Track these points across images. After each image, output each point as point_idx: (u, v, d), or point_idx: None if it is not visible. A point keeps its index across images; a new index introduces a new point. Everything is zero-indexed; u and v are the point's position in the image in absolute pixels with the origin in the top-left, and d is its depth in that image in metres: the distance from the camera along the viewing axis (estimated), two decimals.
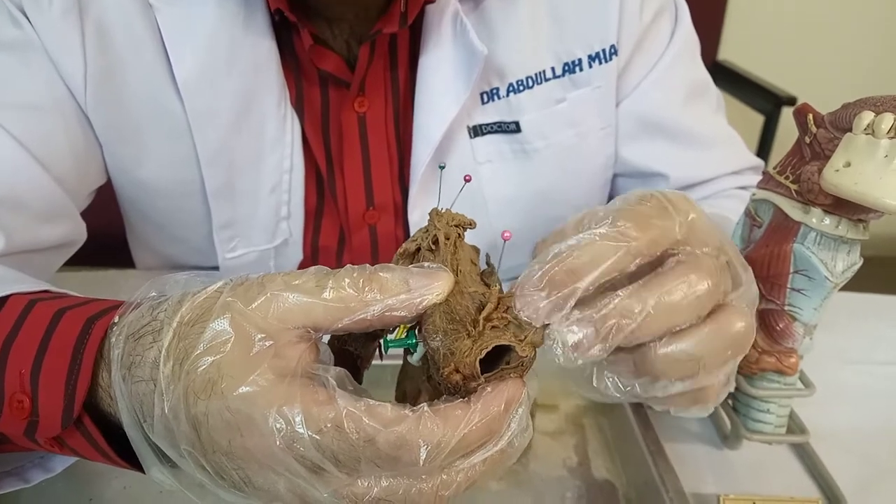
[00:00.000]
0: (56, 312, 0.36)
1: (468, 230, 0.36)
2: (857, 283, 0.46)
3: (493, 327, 0.31)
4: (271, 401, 0.28)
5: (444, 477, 0.30)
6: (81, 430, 0.34)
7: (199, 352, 0.29)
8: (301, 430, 0.28)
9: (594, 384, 0.39)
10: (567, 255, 0.32)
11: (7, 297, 0.38)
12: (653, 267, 0.35)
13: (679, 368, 0.35)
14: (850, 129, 0.40)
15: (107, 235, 0.78)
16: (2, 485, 0.41)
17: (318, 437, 0.28)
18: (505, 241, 0.34)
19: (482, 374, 0.30)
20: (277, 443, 0.28)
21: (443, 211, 0.36)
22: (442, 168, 0.38)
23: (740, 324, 0.35)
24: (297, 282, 0.31)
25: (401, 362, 0.40)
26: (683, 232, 0.35)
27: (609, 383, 0.38)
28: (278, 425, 0.28)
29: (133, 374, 0.31)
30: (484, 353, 0.30)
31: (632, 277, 0.34)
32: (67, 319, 0.36)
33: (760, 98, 1.85)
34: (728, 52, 2.11)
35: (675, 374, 0.35)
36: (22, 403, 0.34)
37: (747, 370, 0.49)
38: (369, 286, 0.30)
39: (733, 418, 0.52)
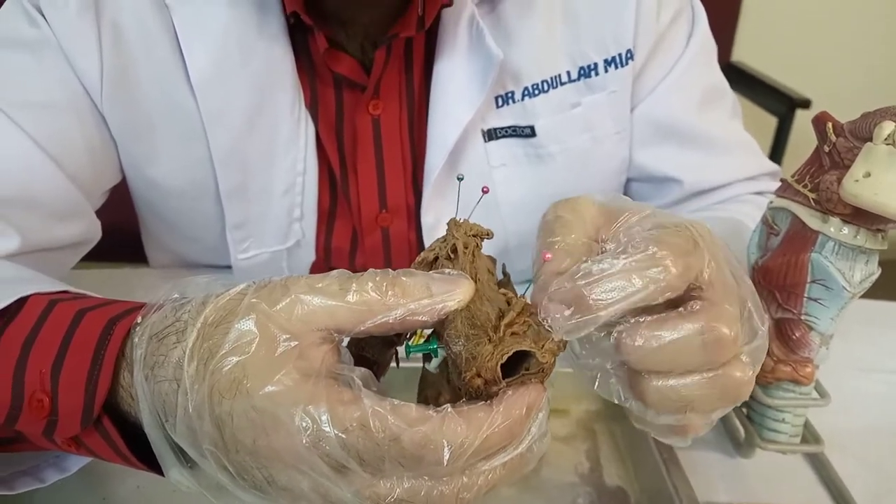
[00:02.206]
0: (77, 313, 0.36)
1: (485, 240, 0.37)
2: (871, 290, 0.46)
3: (513, 333, 0.32)
4: (297, 400, 0.28)
5: (465, 479, 0.30)
6: (100, 431, 0.35)
7: (224, 352, 0.29)
8: (327, 429, 0.28)
9: (595, 388, 0.39)
10: (598, 278, 0.32)
11: (27, 297, 0.38)
12: (674, 302, 0.35)
13: (667, 405, 0.35)
14: (870, 139, 0.40)
15: (121, 232, 0.78)
16: (17, 484, 0.42)
17: (343, 435, 0.28)
18: (546, 261, 0.35)
19: (503, 378, 0.30)
20: (304, 442, 0.28)
21: (461, 221, 0.37)
22: (461, 179, 0.38)
23: (738, 377, 0.35)
24: (320, 284, 0.31)
25: (416, 366, 0.40)
26: (709, 273, 0.34)
27: (612, 391, 0.38)
28: (304, 424, 0.28)
29: (156, 374, 0.31)
30: (505, 358, 0.30)
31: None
32: (89, 320, 0.36)
33: (774, 100, 1.84)
34: (742, 54, 2.10)
35: (662, 409, 0.35)
36: (42, 402, 0.34)
37: (762, 380, 0.49)
38: (392, 290, 0.31)
39: (747, 427, 0.52)
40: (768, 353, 0.48)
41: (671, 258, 0.32)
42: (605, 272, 0.32)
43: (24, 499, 0.48)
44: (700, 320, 0.33)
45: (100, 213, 0.67)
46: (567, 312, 0.31)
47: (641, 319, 0.33)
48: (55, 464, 0.43)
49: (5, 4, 0.61)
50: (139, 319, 0.34)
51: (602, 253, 0.36)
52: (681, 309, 0.34)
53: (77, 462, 0.43)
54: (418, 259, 0.37)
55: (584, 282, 0.31)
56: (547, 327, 0.32)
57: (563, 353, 0.33)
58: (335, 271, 0.32)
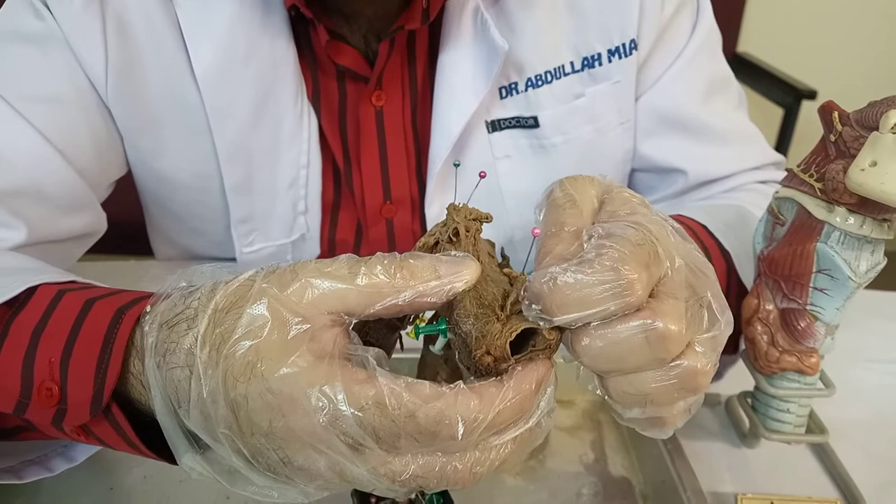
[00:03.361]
0: (86, 302, 0.37)
1: (485, 224, 0.37)
2: (877, 280, 0.46)
3: (519, 312, 0.32)
4: (313, 381, 0.29)
5: (478, 454, 0.31)
6: (109, 419, 0.35)
7: (237, 336, 0.30)
8: (343, 408, 0.29)
9: (576, 379, 0.39)
10: (560, 288, 0.31)
11: (36, 287, 0.39)
12: None
13: (628, 399, 0.35)
14: (876, 128, 0.40)
15: (127, 225, 0.78)
16: (25, 473, 0.42)
17: (360, 414, 0.29)
18: (535, 237, 0.35)
19: (512, 355, 0.31)
20: (321, 421, 0.29)
21: (460, 205, 0.37)
22: (457, 166, 0.38)
23: (691, 366, 0.34)
24: (329, 269, 0.31)
25: (419, 355, 0.41)
26: (667, 276, 0.34)
27: (597, 383, 0.38)
28: (321, 404, 0.29)
29: (168, 361, 0.31)
30: (514, 335, 0.31)
31: None
32: (97, 309, 0.36)
33: (780, 91, 1.83)
34: (748, 45, 2.09)
35: (624, 403, 0.35)
36: (51, 391, 0.35)
37: (767, 369, 0.49)
38: (400, 273, 0.31)
39: (752, 417, 0.52)
40: (773, 344, 0.48)
41: (637, 279, 0.31)
42: (567, 284, 0.31)
43: (32, 488, 0.49)
44: (642, 318, 0.32)
45: (106, 205, 0.68)
46: (534, 306, 0.31)
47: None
48: (63, 453, 0.43)
49: None
50: (148, 308, 0.34)
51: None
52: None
53: (84, 452, 0.43)
54: (418, 244, 0.37)
55: (546, 289, 0.31)
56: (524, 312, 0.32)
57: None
58: (343, 255, 0.32)
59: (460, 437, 0.29)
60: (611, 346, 0.32)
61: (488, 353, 0.31)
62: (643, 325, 0.32)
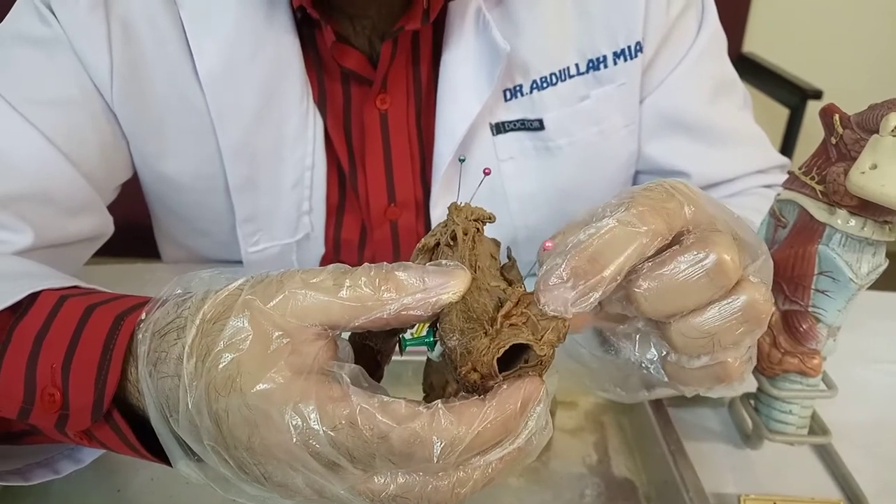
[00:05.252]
0: (86, 309, 0.37)
1: (488, 224, 0.36)
2: (879, 282, 0.46)
3: (511, 325, 0.31)
4: (288, 397, 0.29)
5: (461, 474, 0.30)
6: (111, 424, 0.35)
7: (219, 348, 0.30)
8: (316, 427, 0.28)
9: (636, 351, 0.39)
10: (588, 244, 0.31)
11: (38, 293, 0.39)
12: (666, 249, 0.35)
13: (694, 345, 0.35)
14: (876, 131, 0.40)
15: (134, 227, 0.79)
16: (33, 475, 0.42)
17: (332, 433, 0.28)
18: (546, 250, 0.34)
19: (500, 372, 0.30)
20: (293, 439, 0.28)
21: (462, 205, 0.36)
22: (462, 161, 0.37)
23: (751, 297, 0.34)
24: (314, 280, 0.31)
25: (422, 358, 0.40)
26: (692, 214, 0.34)
27: (654, 348, 0.38)
28: (294, 422, 0.28)
29: (159, 369, 0.32)
30: (501, 351, 0.30)
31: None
32: (97, 316, 0.36)
33: (786, 91, 1.83)
34: (753, 45, 2.08)
35: (691, 351, 0.35)
36: (53, 397, 0.35)
37: (770, 371, 0.49)
38: (385, 285, 0.30)
39: (755, 418, 0.52)
40: (776, 345, 0.48)
41: (648, 207, 0.32)
42: (591, 236, 0.31)
43: (40, 490, 0.49)
44: (695, 249, 0.33)
45: (113, 208, 0.68)
46: (568, 285, 0.30)
47: (642, 269, 0.33)
48: (70, 455, 0.43)
49: (17, 3, 0.62)
50: (143, 316, 0.34)
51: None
52: (675, 247, 0.34)
53: (91, 454, 0.44)
54: (420, 245, 0.36)
55: (575, 251, 0.31)
56: (551, 312, 0.31)
57: (587, 368, 0.32)
58: (331, 266, 0.32)
59: (436, 459, 0.28)
60: (669, 283, 0.32)
61: (474, 369, 0.30)
62: (697, 257, 0.32)
